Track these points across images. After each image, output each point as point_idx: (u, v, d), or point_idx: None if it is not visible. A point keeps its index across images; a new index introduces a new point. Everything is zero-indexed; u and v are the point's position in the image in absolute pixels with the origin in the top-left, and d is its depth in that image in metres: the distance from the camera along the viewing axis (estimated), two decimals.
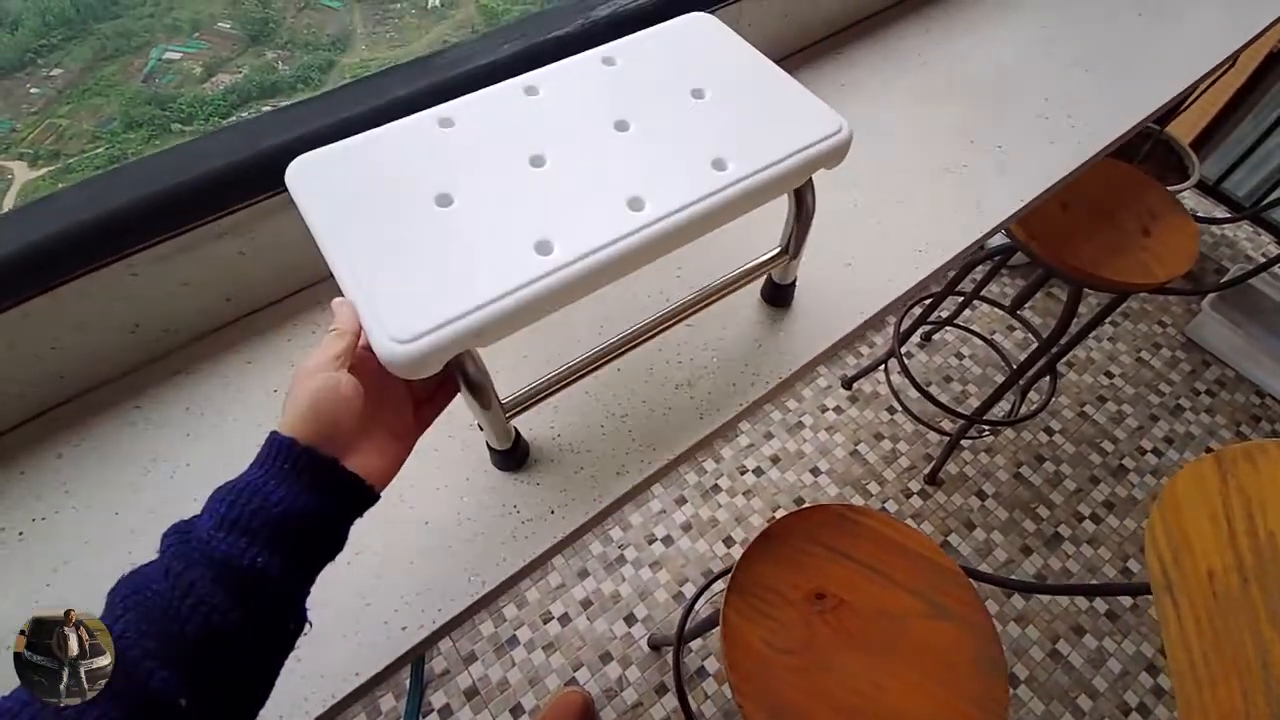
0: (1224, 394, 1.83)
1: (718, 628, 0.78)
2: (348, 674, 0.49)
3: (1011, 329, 1.90)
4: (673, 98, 0.55)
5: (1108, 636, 1.46)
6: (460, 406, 0.51)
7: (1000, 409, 1.73)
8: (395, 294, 0.42)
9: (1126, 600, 1.51)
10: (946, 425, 1.70)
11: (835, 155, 0.54)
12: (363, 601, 0.53)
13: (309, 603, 0.38)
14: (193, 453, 0.60)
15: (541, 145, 0.51)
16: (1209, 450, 1.72)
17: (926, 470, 1.65)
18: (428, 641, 0.52)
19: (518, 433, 0.57)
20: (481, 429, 0.55)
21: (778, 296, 0.69)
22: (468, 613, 0.53)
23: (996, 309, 1.87)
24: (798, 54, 0.96)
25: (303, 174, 0.49)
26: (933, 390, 1.77)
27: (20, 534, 0.55)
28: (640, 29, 0.70)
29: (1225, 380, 1.85)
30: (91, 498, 0.57)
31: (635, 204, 0.48)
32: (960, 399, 1.78)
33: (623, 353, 0.57)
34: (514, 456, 0.58)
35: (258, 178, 0.58)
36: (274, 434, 0.38)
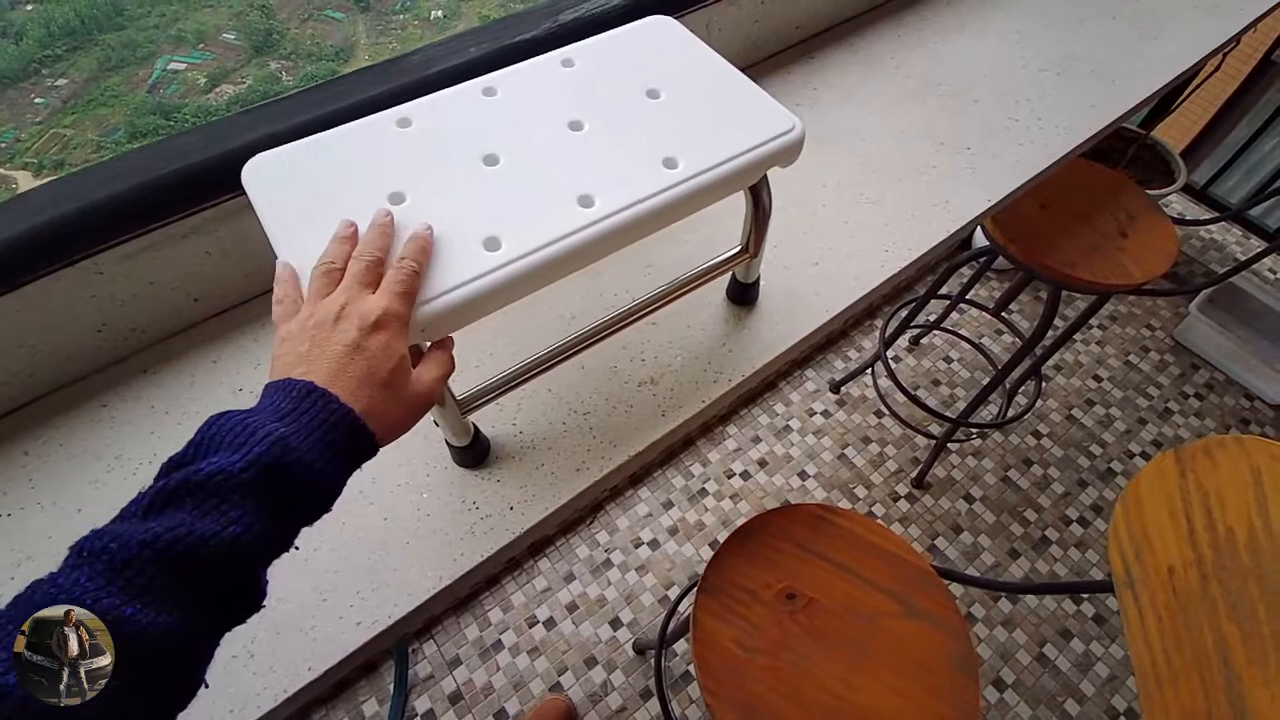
0: (1213, 397, 1.82)
1: None
2: (300, 669, 0.50)
3: (1000, 332, 1.90)
4: (628, 98, 0.56)
5: (1095, 640, 1.45)
6: None
7: (988, 412, 1.73)
8: None
9: (1114, 604, 1.50)
10: (934, 429, 1.70)
11: (788, 154, 0.54)
12: (319, 596, 0.53)
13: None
14: (156, 449, 0.60)
15: (496, 144, 0.52)
16: None
17: (914, 474, 1.65)
18: (383, 637, 0.52)
19: (477, 429, 0.58)
20: (438, 425, 0.56)
21: (743, 295, 0.69)
22: (423, 608, 0.53)
23: (984, 312, 1.87)
24: (770, 58, 0.97)
25: (259, 172, 0.50)
26: (920, 394, 1.77)
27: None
28: (604, 32, 0.71)
29: (1214, 384, 1.85)
30: (57, 494, 0.58)
31: (585, 201, 0.49)
32: (948, 403, 1.78)
33: (582, 348, 0.58)
34: (474, 453, 0.58)
35: (223, 178, 0.59)
36: (334, 400, 0.35)
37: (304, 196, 0.48)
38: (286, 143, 0.56)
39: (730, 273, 0.67)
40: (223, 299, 0.68)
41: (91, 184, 0.56)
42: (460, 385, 0.53)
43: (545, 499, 0.58)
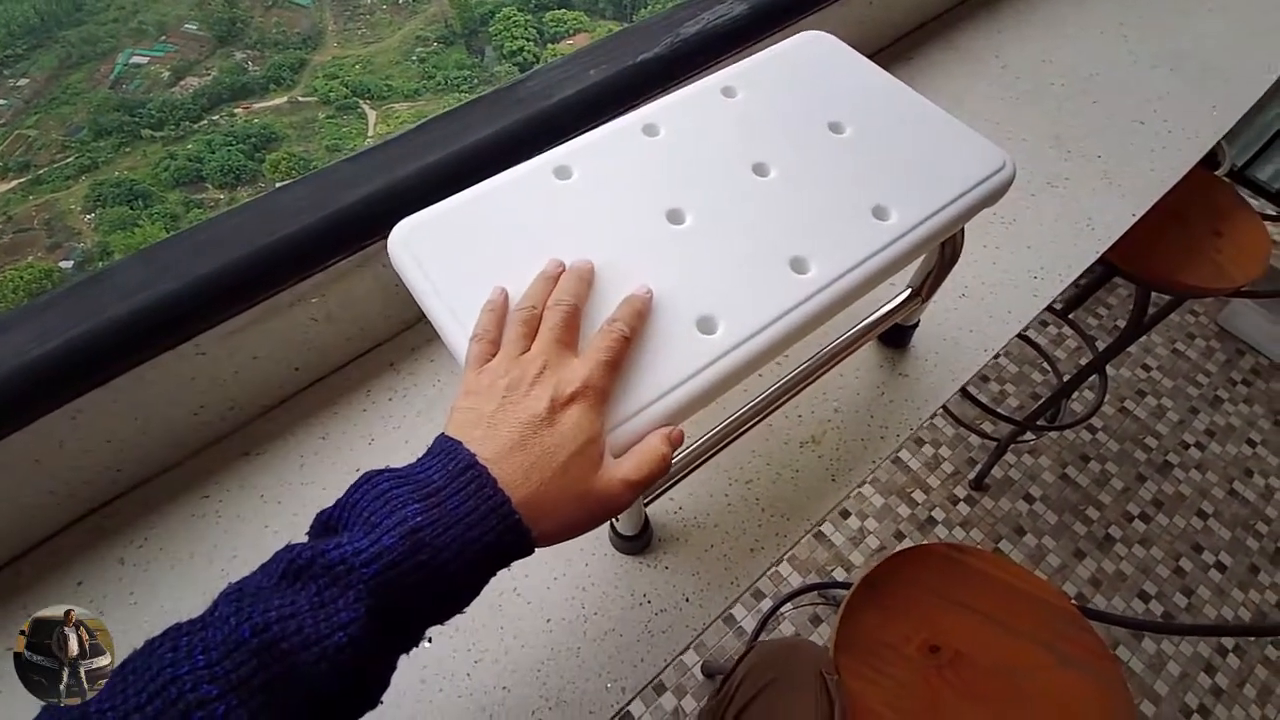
0: (1260, 383, 1.80)
1: None
2: None
3: (1044, 324, 1.86)
4: (809, 133, 0.49)
5: (1166, 639, 1.44)
6: None
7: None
8: None
9: (1181, 600, 1.49)
10: (987, 427, 1.66)
11: (998, 194, 0.48)
12: (486, 718, 0.47)
13: None
14: (274, 546, 0.53)
15: (675, 197, 0.45)
16: (1250, 443, 1.71)
17: (972, 475, 1.61)
18: None
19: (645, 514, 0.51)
20: (614, 519, 0.49)
21: (898, 338, 0.63)
22: None
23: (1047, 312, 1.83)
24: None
25: (410, 241, 0.42)
26: (970, 390, 1.73)
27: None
28: (734, 48, 0.64)
29: (1260, 369, 1.83)
30: (163, 608, 0.50)
31: (799, 265, 0.42)
32: (999, 399, 1.74)
33: (759, 421, 0.51)
34: (641, 539, 0.52)
35: (336, 238, 0.51)
36: (490, 485, 0.30)
37: (465, 266, 0.41)
38: (405, 194, 0.49)
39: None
40: (324, 366, 0.60)
41: (188, 254, 0.48)
42: None
43: (723, 586, 0.52)
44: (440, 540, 0.28)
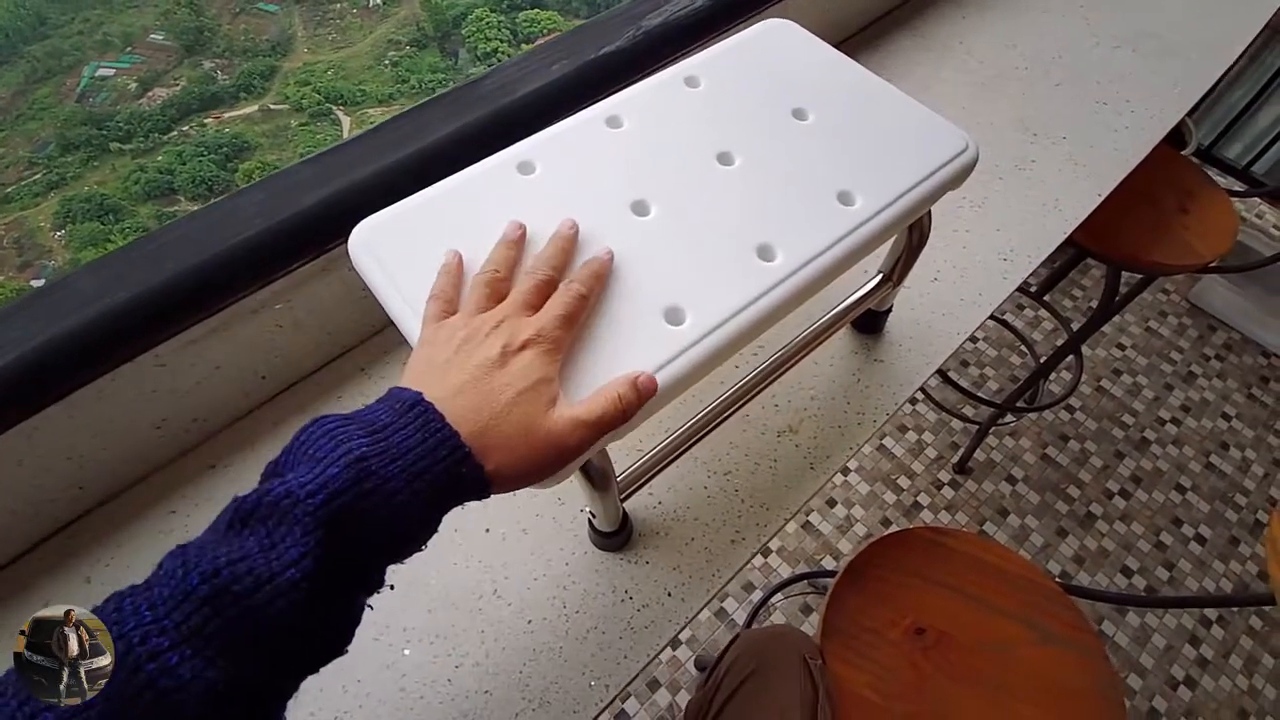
0: (1232, 358, 1.84)
1: None
2: None
3: (1021, 307, 1.88)
4: (773, 121, 0.49)
5: (1150, 612, 1.46)
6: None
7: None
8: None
9: (1163, 574, 1.51)
10: (968, 411, 1.68)
11: (961, 176, 0.48)
12: None
13: None
14: None
15: (640, 188, 0.44)
16: (1225, 416, 1.74)
17: (955, 459, 1.63)
18: None
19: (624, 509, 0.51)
20: (592, 515, 0.49)
21: (871, 324, 0.63)
22: None
23: (1020, 294, 1.84)
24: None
25: (371, 241, 0.41)
26: (950, 375, 1.74)
27: None
28: (697, 39, 0.63)
29: (1232, 344, 1.86)
30: None
31: (765, 253, 0.42)
32: (979, 383, 1.76)
33: (735, 411, 0.51)
34: (621, 535, 0.51)
35: (297, 241, 0.50)
36: (437, 419, 0.29)
37: (429, 265, 0.40)
38: (366, 194, 0.48)
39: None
40: (292, 373, 0.59)
41: (141, 263, 0.47)
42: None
43: (704, 579, 0.52)
44: (387, 470, 0.27)
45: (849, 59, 0.53)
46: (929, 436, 1.68)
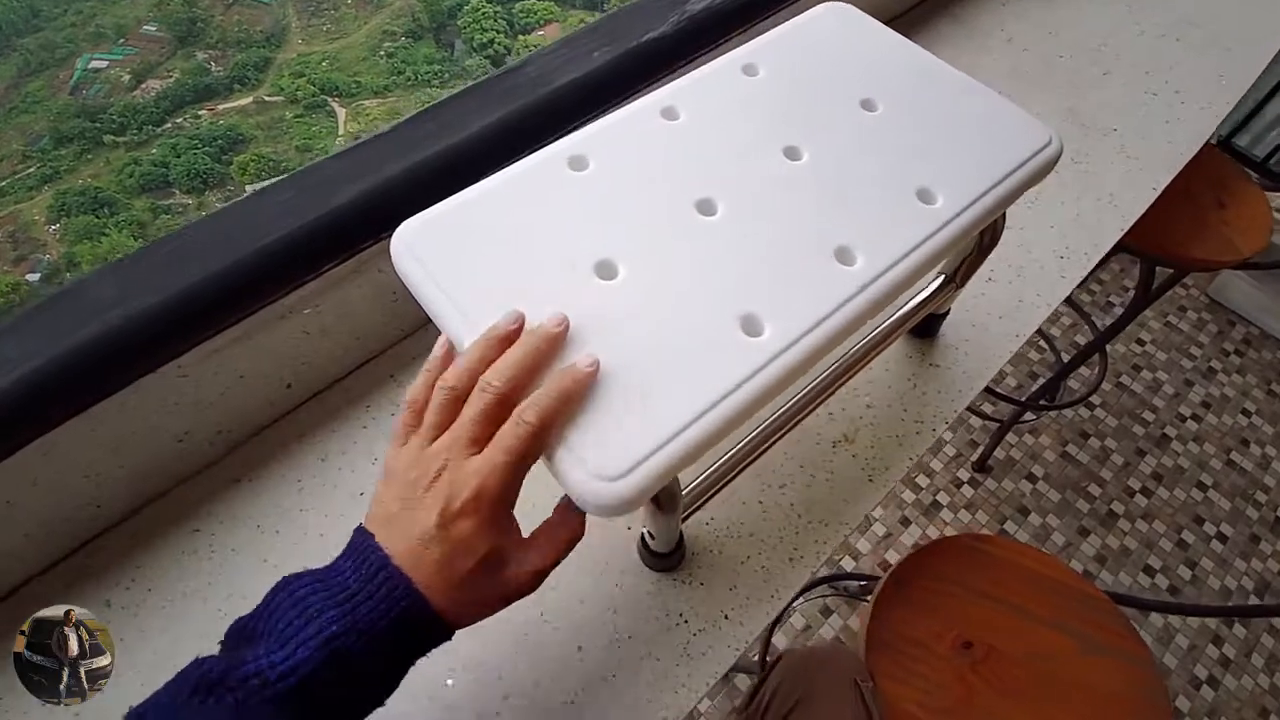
0: (1251, 353, 1.82)
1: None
2: None
3: None
4: (840, 111, 0.45)
5: (1172, 615, 1.44)
6: None
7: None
8: (584, 409, 0.32)
9: (1185, 573, 1.49)
10: (987, 408, 1.65)
11: (1043, 173, 0.45)
12: None
13: None
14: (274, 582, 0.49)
15: (704, 185, 0.41)
16: (1245, 413, 1.72)
17: (974, 457, 1.60)
18: None
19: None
20: (650, 536, 0.46)
21: (928, 328, 0.60)
22: None
23: None
24: None
25: (415, 244, 0.38)
26: None
27: (76, 714, 0.44)
28: (744, 24, 0.60)
29: (1251, 339, 1.84)
30: (157, 652, 0.46)
31: (844, 256, 0.39)
32: (998, 379, 1.73)
33: (795, 425, 0.48)
34: (675, 555, 0.48)
35: (328, 242, 0.47)
36: (401, 587, 0.29)
37: (477, 269, 0.37)
38: (401, 191, 0.44)
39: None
40: (318, 380, 0.56)
41: (164, 267, 0.43)
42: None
43: (762, 600, 0.49)
44: (357, 646, 0.28)
45: (914, 45, 0.50)
46: (948, 434, 1.65)
